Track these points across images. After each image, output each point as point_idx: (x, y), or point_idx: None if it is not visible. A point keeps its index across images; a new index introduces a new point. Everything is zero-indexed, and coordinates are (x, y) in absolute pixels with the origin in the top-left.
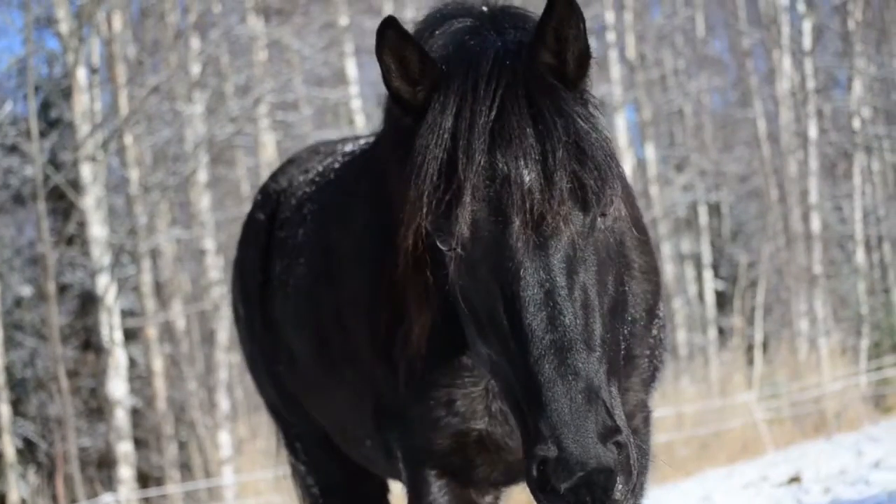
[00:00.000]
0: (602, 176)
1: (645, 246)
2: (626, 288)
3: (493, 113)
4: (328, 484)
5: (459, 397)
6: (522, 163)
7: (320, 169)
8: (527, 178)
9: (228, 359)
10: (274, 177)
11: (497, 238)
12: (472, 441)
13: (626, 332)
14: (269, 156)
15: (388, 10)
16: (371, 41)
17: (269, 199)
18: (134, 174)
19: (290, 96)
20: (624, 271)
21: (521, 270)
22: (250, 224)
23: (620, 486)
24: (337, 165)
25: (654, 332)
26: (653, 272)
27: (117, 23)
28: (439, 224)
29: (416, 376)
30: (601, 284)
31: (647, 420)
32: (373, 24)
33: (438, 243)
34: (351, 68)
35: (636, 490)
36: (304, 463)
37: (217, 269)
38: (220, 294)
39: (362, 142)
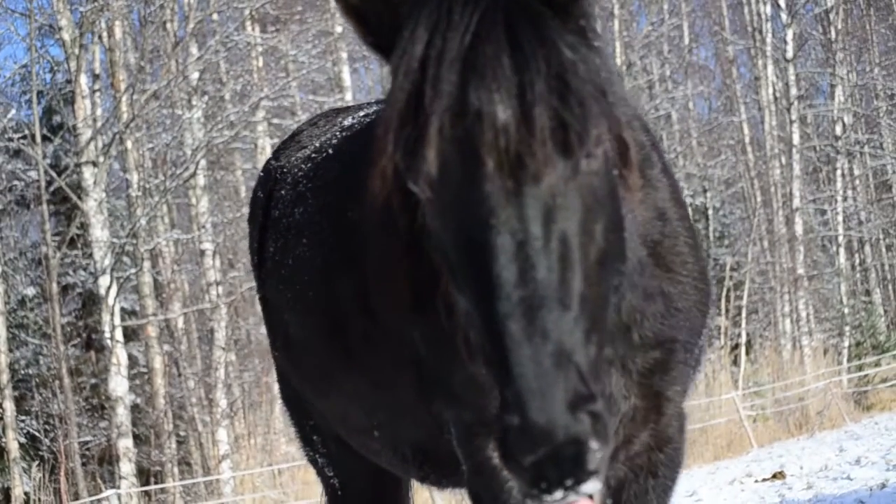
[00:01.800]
0: (586, 113)
1: (695, 249)
2: (624, 234)
3: (467, 41)
4: (348, 476)
5: None
6: (497, 97)
7: (317, 145)
8: (501, 115)
9: (226, 357)
10: (275, 153)
11: (467, 181)
12: None
13: (621, 283)
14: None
15: None
16: (364, 48)
17: (269, 176)
18: (134, 178)
19: (287, 102)
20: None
21: (492, 219)
22: (252, 202)
23: (598, 455)
24: (335, 141)
25: (701, 340)
26: (700, 278)
27: (118, 31)
28: (407, 162)
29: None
30: (586, 234)
31: (682, 428)
32: None
33: (409, 184)
34: (346, 75)
35: (660, 494)
36: (322, 455)
37: (215, 269)
38: (218, 294)
39: (362, 114)
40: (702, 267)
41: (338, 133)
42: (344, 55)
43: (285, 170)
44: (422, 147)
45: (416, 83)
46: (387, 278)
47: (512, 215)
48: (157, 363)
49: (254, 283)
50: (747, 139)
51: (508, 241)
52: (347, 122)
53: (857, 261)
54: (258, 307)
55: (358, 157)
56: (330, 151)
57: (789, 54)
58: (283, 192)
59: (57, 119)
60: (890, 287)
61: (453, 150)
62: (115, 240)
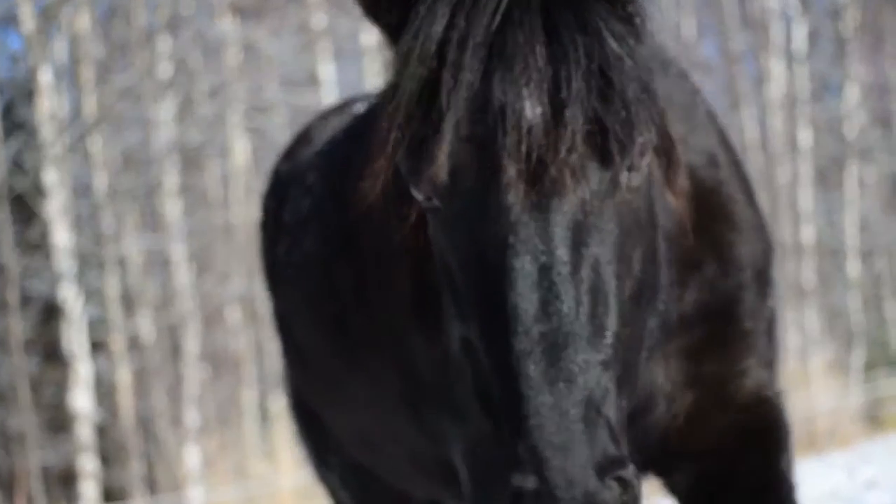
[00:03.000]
0: (631, 118)
1: (750, 196)
2: (659, 271)
3: (496, 24)
4: (363, 500)
5: None
6: (526, 92)
7: (328, 136)
8: (529, 113)
9: (197, 371)
10: (285, 155)
11: (484, 190)
12: None
13: (653, 326)
14: (241, 162)
15: None
16: (346, 44)
17: (279, 181)
18: (100, 179)
19: (264, 100)
20: (722, 229)
21: (511, 236)
22: (263, 211)
23: None
24: (346, 128)
25: (769, 302)
26: (759, 227)
27: (84, 21)
28: (412, 164)
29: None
30: (621, 262)
31: (779, 395)
32: (350, 27)
33: (411, 189)
34: (326, 71)
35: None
36: (336, 475)
37: (187, 278)
38: (189, 304)
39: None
40: (760, 214)
41: (349, 121)
42: (324, 51)
43: (295, 171)
44: (433, 146)
45: (431, 70)
46: (384, 278)
47: (535, 234)
48: (124, 377)
49: (227, 294)
50: (753, 140)
51: (529, 264)
52: (361, 108)
53: (869, 271)
54: (231, 318)
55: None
56: (339, 138)
57: (798, 50)
58: (293, 191)
59: (18, 116)
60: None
61: (469, 152)
62: (79, 246)
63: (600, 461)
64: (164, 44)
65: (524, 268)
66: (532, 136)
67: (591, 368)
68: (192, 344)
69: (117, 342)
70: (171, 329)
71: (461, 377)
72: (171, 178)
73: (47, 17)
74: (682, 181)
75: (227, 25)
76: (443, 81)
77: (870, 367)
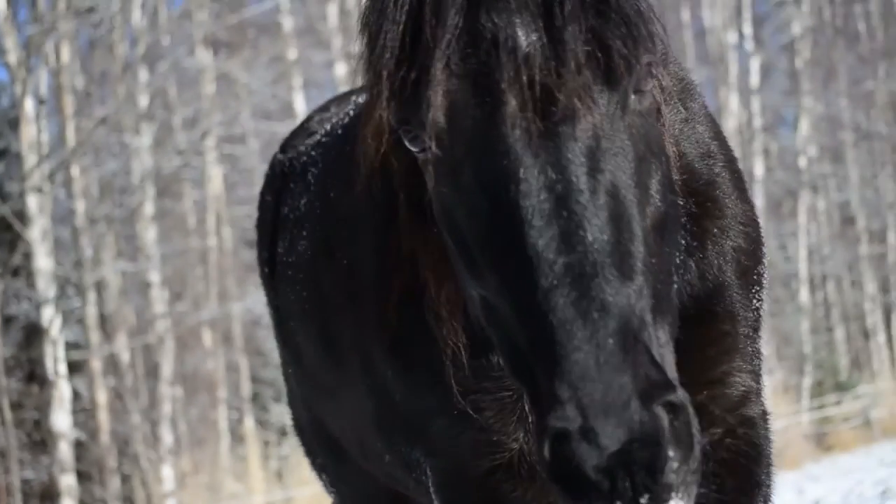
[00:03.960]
0: (633, 33)
1: (741, 191)
2: (677, 203)
3: None
4: None
5: (487, 404)
6: (517, 19)
7: (328, 127)
8: (524, 41)
9: (172, 392)
10: (283, 146)
11: (485, 127)
12: (502, 466)
13: (678, 260)
14: (216, 189)
15: (336, 44)
16: (319, 75)
17: (275, 173)
18: (80, 206)
19: (238, 129)
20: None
21: (521, 169)
22: (260, 205)
23: (675, 465)
24: (347, 120)
25: (755, 303)
26: (750, 223)
27: (66, 54)
28: (406, 113)
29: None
30: (640, 188)
31: (765, 414)
32: (321, 58)
33: (408, 143)
34: (299, 102)
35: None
36: (343, 485)
37: (162, 301)
38: (164, 327)
39: None
40: (752, 212)
41: (351, 111)
42: (297, 82)
43: (294, 161)
44: (424, 88)
45: (412, 12)
46: (376, 295)
47: (546, 163)
48: (102, 397)
49: (200, 316)
50: None
51: (545, 195)
52: (363, 99)
53: (820, 297)
54: (205, 340)
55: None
56: (339, 132)
57: (754, 84)
58: (292, 185)
59: (1, 144)
60: (853, 325)
61: (465, 89)
62: (59, 270)
63: (644, 387)
64: (143, 75)
65: (540, 200)
66: (530, 63)
67: (623, 295)
68: (167, 365)
69: (95, 363)
70: (148, 351)
71: (443, 408)
72: (148, 205)
73: (31, 50)
74: (672, 114)
75: (204, 58)
76: (425, 18)
77: (819, 390)
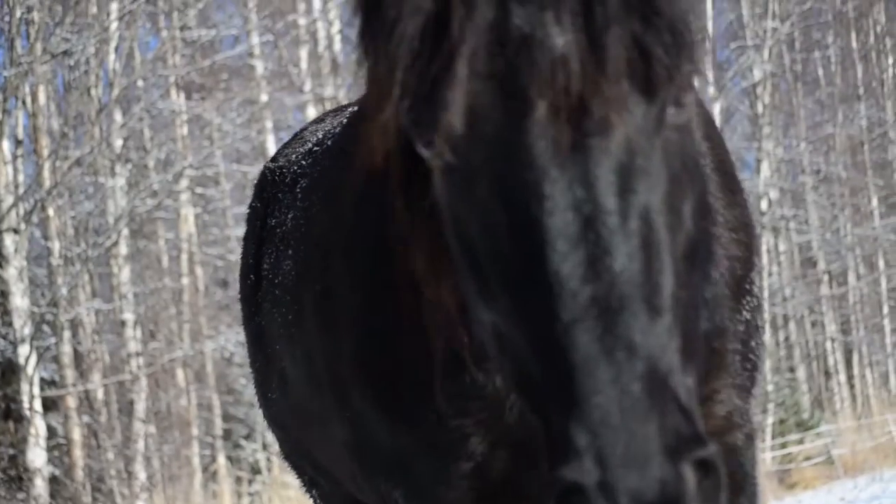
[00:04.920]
0: (678, 41)
1: (733, 193)
2: (713, 226)
3: None
4: None
5: (470, 425)
6: (552, 17)
7: (320, 136)
8: (558, 41)
9: (146, 429)
10: (275, 155)
11: (509, 134)
12: (488, 491)
13: (710, 294)
14: (189, 229)
15: (308, 88)
16: (291, 118)
17: (266, 182)
18: (56, 246)
19: (211, 171)
20: (710, 201)
21: (547, 185)
22: (248, 215)
23: None
24: (339, 129)
25: (746, 314)
26: (743, 229)
27: (42, 96)
28: (420, 114)
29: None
30: (673, 212)
31: (750, 437)
32: (293, 101)
33: (418, 146)
34: (271, 144)
35: None
36: None
37: (136, 340)
38: (138, 365)
39: None
40: (746, 215)
41: (344, 120)
42: (269, 124)
43: (284, 170)
44: (445, 87)
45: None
46: (354, 321)
47: (575, 178)
48: (76, 434)
49: (174, 355)
50: None
51: (571, 215)
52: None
53: (782, 337)
54: (178, 378)
55: (348, 147)
56: (330, 142)
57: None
58: (280, 195)
59: None
60: (814, 364)
61: (490, 92)
62: (35, 308)
63: (671, 441)
64: (118, 117)
65: (565, 220)
66: (564, 66)
67: (653, 334)
68: (141, 403)
69: (70, 401)
70: (122, 389)
71: (424, 446)
72: (122, 245)
73: (8, 92)
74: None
75: (177, 100)
76: (453, 8)
77: (781, 429)
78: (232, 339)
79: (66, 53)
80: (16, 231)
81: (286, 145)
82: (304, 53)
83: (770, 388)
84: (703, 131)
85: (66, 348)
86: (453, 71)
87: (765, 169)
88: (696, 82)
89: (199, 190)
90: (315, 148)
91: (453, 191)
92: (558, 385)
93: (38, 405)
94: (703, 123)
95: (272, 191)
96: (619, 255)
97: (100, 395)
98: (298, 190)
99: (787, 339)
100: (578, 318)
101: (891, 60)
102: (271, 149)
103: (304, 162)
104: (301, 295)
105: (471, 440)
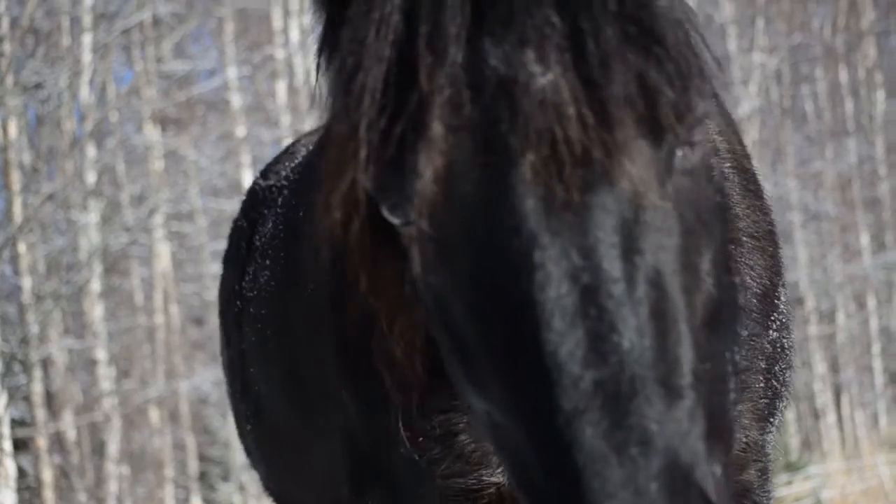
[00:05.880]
0: (686, 73)
1: (754, 196)
2: (737, 283)
3: None
4: None
5: (462, 434)
6: (534, 55)
7: (311, 148)
8: (543, 82)
9: (119, 471)
10: (264, 171)
11: (490, 196)
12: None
13: (738, 358)
14: (164, 266)
15: (285, 122)
16: (268, 152)
17: (255, 200)
18: (27, 283)
19: (186, 206)
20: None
21: (538, 252)
22: (230, 236)
23: None
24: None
25: (772, 333)
26: (766, 236)
27: (13, 129)
28: (387, 179)
29: (406, 411)
30: (689, 271)
31: (765, 472)
32: (270, 136)
33: (386, 213)
34: (247, 179)
35: None
36: None
37: (109, 379)
38: (111, 405)
39: None
40: (769, 220)
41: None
42: (246, 159)
43: (274, 188)
44: (414, 145)
45: (399, 43)
46: (335, 324)
47: (570, 244)
48: (47, 476)
49: (147, 394)
50: None
51: (567, 287)
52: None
53: None
54: (152, 418)
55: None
56: (313, 153)
57: None
58: (267, 212)
59: None
60: (803, 405)
61: (464, 148)
62: (5, 347)
63: None
64: (91, 152)
65: (560, 294)
66: (552, 110)
67: (671, 421)
68: (113, 444)
69: (41, 441)
70: (94, 429)
71: (411, 455)
72: (95, 282)
73: None
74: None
75: (152, 134)
76: (418, 53)
77: None
78: (207, 378)
79: (38, 86)
80: None
81: (277, 160)
82: (281, 87)
83: None
84: (717, 125)
85: (38, 387)
86: (424, 127)
87: None
88: (709, 120)
89: (174, 226)
90: (304, 159)
91: (430, 264)
92: (563, 486)
93: (7, 445)
94: (717, 115)
95: (260, 209)
96: (627, 331)
97: (71, 435)
98: (281, 201)
99: None
100: (582, 409)
101: (881, 95)
102: (248, 184)
103: (291, 175)
104: (285, 302)
105: (459, 438)
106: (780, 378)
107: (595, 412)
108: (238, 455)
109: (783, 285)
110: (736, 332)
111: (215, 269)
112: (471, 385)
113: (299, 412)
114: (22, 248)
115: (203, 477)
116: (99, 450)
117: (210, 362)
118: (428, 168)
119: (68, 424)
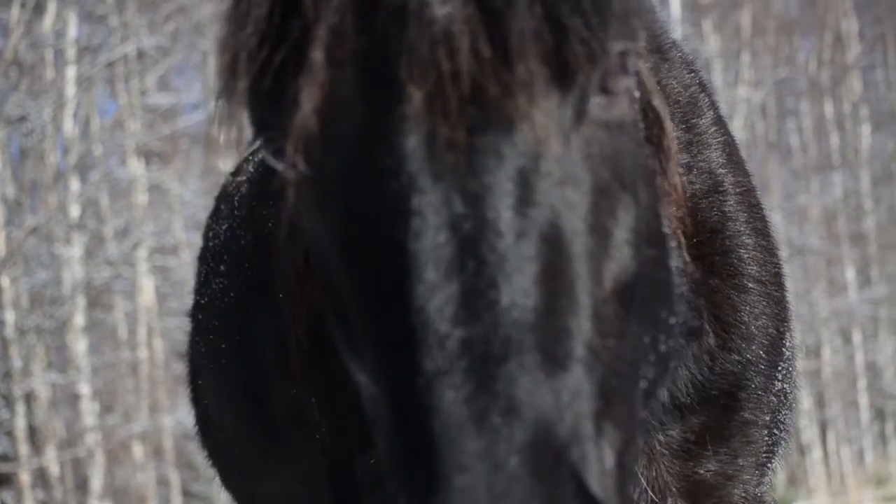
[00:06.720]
0: (602, 9)
1: (761, 237)
2: (668, 261)
3: None
4: None
5: None
6: None
7: None
8: (440, 12)
9: None
10: (237, 167)
11: (371, 134)
12: None
13: (661, 346)
14: (148, 300)
15: None
16: None
17: (224, 195)
18: (10, 317)
19: (170, 240)
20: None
21: (415, 196)
22: (204, 233)
23: None
24: None
25: (778, 383)
26: (774, 282)
27: None
28: (266, 113)
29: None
30: (597, 234)
31: None
32: None
33: (269, 159)
34: None
35: None
36: None
37: (92, 414)
38: (94, 440)
39: None
40: (776, 260)
41: None
42: None
43: (234, 185)
44: (296, 77)
45: None
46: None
47: (454, 190)
48: None
49: (131, 429)
50: None
51: (444, 235)
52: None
53: None
54: (136, 453)
55: None
56: None
57: None
58: (223, 207)
59: None
60: (789, 441)
61: (348, 81)
62: None
63: None
64: (74, 185)
65: (437, 242)
66: (448, 43)
67: (547, 394)
68: (97, 479)
69: (24, 476)
70: (77, 464)
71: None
72: (78, 316)
73: None
74: (675, 178)
75: (136, 168)
76: None
77: None
78: (191, 413)
79: (21, 119)
80: None
81: (251, 156)
82: None
83: None
84: (721, 156)
85: (20, 422)
86: (305, 56)
87: None
88: (638, 64)
89: (157, 260)
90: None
91: (308, 209)
92: (415, 460)
93: None
94: (720, 146)
95: (219, 205)
96: (508, 288)
97: (55, 470)
98: (237, 197)
99: None
100: (445, 370)
101: (866, 129)
102: None
103: (254, 172)
104: (246, 314)
105: None
106: (780, 427)
107: (458, 374)
108: (222, 491)
109: (789, 330)
110: (660, 317)
111: None
112: (350, 353)
113: (258, 437)
114: (5, 281)
115: None
116: (82, 485)
117: None
118: (307, 101)
119: (51, 459)
